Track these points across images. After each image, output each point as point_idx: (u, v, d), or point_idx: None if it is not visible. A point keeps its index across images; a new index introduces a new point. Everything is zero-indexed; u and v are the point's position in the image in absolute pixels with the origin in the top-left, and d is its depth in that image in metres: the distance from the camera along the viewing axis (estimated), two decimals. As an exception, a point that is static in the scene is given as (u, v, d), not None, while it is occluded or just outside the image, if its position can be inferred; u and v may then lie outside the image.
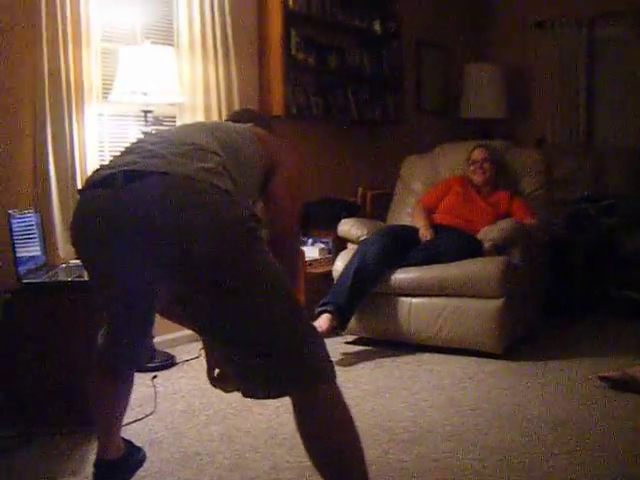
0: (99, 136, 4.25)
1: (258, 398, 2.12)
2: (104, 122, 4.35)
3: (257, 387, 2.07)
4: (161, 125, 4.67)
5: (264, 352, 2.01)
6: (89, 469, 2.77)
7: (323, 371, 2.06)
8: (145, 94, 4.13)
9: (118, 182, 2.05)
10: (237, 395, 3.40)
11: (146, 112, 4.23)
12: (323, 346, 2.10)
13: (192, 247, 1.96)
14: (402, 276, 4.56)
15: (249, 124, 2.57)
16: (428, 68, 7.29)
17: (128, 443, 2.80)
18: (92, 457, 2.84)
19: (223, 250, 1.98)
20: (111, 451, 2.63)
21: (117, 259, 2.11)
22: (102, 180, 2.10)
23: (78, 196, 2.22)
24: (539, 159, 5.35)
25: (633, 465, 2.87)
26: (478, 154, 5.10)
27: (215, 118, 4.71)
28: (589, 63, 7.39)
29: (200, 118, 4.66)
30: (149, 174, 2.03)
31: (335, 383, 2.08)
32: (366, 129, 6.53)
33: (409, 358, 4.42)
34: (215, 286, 1.99)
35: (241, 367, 2.05)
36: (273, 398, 2.09)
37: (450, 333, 4.43)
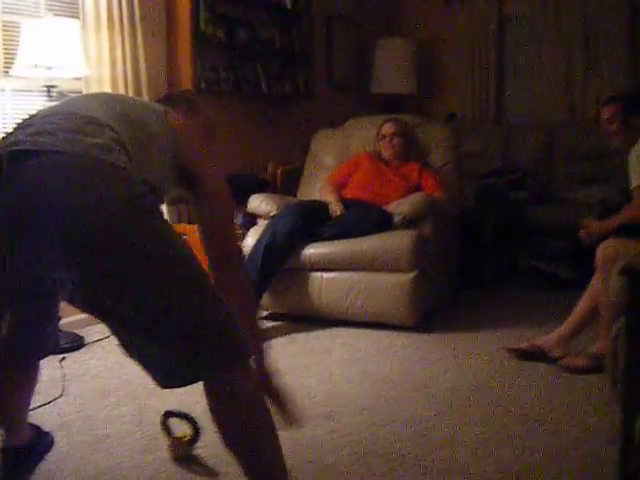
0: (1, 112, 4.12)
1: (176, 387, 2.04)
2: (6, 98, 4.22)
3: (173, 375, 1.99)
4: (66, 101, 4.56)
5: (170, 338, 1.93)
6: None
7: (236, 354, 2.02)
8: (49, 68, 3.99)
9: (3, 165, 1.92)
10: (147, 375, 3.35)
11: (49, 87, 4.09)
12: (237, 324, 2.04)
13: (80, 230, 1.86)
14: (313, 251, 4.55)
15: (166, 107, 2.37)
16: (339, 43, 7.25)
17: (35, 428, 2.74)
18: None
19: (115, 229, 1.88)
20: (19, 438, 2.57)
21: (8, 245, 1.98)
22: None
23: None
24: (449, 133, 5.40)
25: (543, 429, 2.94)
26: (388, 128, 5.12)
27: (122, 92, 4.60)
28: (499, 39, 7.47)
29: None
30: (34, 154, 1.91)
31: (249, 366, 2.06)
32: (277, 104, 6.48)
33: (322, 333, 4.42)
34: (109, 268, 1.89)
35: (155, 355, 1.97)
36: (189, 384, 2.02)
37: (362, 307, 4.44)
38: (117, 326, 1.98)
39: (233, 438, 2.06)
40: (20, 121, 2.17)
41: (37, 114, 2.20)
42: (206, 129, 2.54)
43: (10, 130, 2.13)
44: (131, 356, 2.01)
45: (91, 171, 1.91)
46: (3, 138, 2.10)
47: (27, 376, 2.52)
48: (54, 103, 3.99)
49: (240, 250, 2.44)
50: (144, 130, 2.16)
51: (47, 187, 1.88)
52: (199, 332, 1.95)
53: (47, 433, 2.79)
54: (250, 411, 2.03)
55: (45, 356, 2.50)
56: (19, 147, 1.94)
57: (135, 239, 1.91)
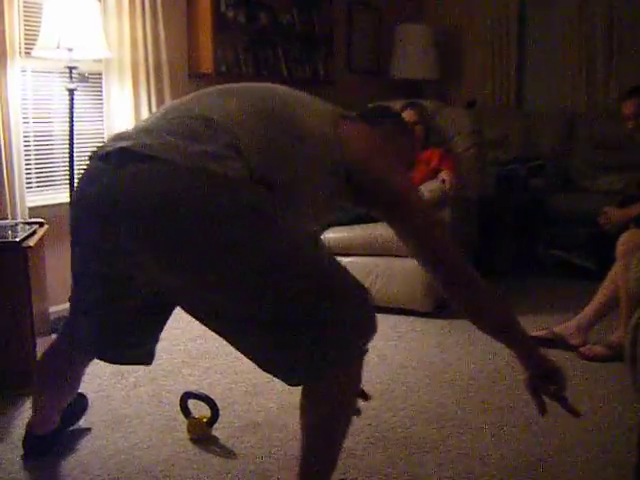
0: (22, 93, 4.13)
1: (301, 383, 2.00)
2: (27, 78, 4.22)
3: (293, 374, 1.97)
4: (87, 82, 4.57)
5: (281, 333, 1.90)
6: (16, 435, 2.72)
7: (340, 354, 1.96)
8: (70, 50, 4.00)
9: (113, 161, 1.92)
10: (166, 356, 3.39)
11: (71, 68, 4.10)
12: (347, 326, 1.97)
13: (175, 244, 1.85)
14: (332, 235, 4.55)
15: (344, 114, 2.18)
16: (359, 28, 7.23)
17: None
18: (18, 422, 2.81)
19: (213, 239, 1.84)
20: (46, 426, 2.59)
21: (103, 239, 1.99)
22: (102, 154, 1.98)
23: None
24: (470, 119, 5.36)
25: (561, 417, 2.93)
26: (407, 117, 5.03)
27: (142, 76, 4.60)
28: (520, 26, 7.42)
29: (127, 75, 4.54)
30: (139, 157, 1.88)
31: (356, 365, 2.04)
32: (297, 88, 6.44)
33: (340, 318, 4.41)
34: (214, 275, 1.87)
35: (282, 355, 1.94)
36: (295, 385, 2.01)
37: (380, 292, 4.44)
38: (234, 331, 1.97)
39: (316, 431, 2.04)
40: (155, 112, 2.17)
41: (166, 106, 2.16)
42: (400, 150, 2.30)
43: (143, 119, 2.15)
44: (249, 356, 2.00)
45: (190, 184, 1.84)
46: (135, 125, 2.11)
47: (76, 377, 2.54)
48: (76, 85, 4.06)
49: (469, 270, 2.13)
50: (293, 130, 2.01)
51: (141, 196, 1.85)
52: (307, 337, 1.91)
53: (81, 396, 2.86)
54: (344, 409, 2.04)
55: (142, 364, 2.44)
56: (123, 144, 1.93)
57: (234, 243, 1.85)
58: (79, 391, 2.73)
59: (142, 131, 1.98)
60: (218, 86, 2.17)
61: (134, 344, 2.30)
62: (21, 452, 2.60)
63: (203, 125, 1.94)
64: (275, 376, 1.99)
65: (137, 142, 1.92)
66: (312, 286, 1.91)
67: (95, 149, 2.05)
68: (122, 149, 1.92)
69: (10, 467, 2.53)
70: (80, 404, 2.88)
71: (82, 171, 2.06)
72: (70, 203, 2.14)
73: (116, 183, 1.89)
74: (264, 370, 1.99)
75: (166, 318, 2.30)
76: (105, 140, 2.12)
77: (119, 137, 2.02)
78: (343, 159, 2.04)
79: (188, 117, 1.99)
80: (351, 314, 1.97)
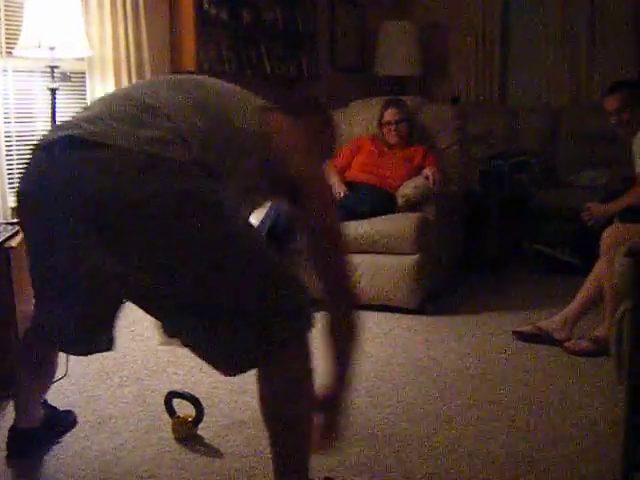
0: (3, 92, 4.10)
1: (242, 372, 2.02)
2: (8, 78, 4.19)
3: (238, 360, 1.99)
4: (69, 81, 4.54)
5: (234, 320, 1.91)
6: (0, 436, 2.70)
7: (297, 335, 2.00)
8: (52, 48, 3.97)
9: (55, 148, 1.92)
10: (151, 356, 3.37)
11: (53, 67, 4.07)
12: (302, 305, 2.01)
13: (130, 226, 1.85)
14: (318, 233, 4.53)
15: (268, 106, 2.20)
16: (343, 25, 7.23)
17: (52, 408, 2.78)
18: (3, 424, 2.78)
19: (164, 227, 1.85)
20: (29, 421, 2.58)
21: (57, 234, 1.99)
22: (44, 144, 1.99)
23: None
24: (454, 115, 5.36)
25: (547, 411, 2.94)
26: (391, 115, 5.03)
27: (124, 74, 4.58)
28: (504, 21, 7.43)
29: (109, 74, 4.52)
30: (84, 143, 1.89)
31: (305, 345, 2.02)
32: (280, 85, 6.45)
33: (324, 314, 4.40)
34: (165, 264, 1.88)
35: (214, 341, 1.96)
36: (254, 368, 2.01)
37: (365, 289, 4.42)
38: (177, 315, 1.97)
39: (275, 417, 2.05)
40: (91, 102, 2.17)
41: (104, 97, 2.19)
42: (321, 141, 2.37)
43: (80, 109, 2.16)
44: (191, 345, 2.00)
45: (139, 169, 1.86)
46: (74, 116, 2.10)
47: (53, 365, 2.53)
48: (58, 84, 4.03)
49: (353, 294, 2.17)
50: (225, 123, 2.03)
51: (90, 182, 1.86)
52: (257, 320, 1.93)
53: (67, 412, 2.86)
54: (299, 393, 2.03)
55: (101, 351, 2.42)
56: (73, 132, 1.93)
57: (186, 232, 1.87)
58: (68, 408, 2.81)
59: (85, 120, 1.97)
60: (153, 77, 2.22)
61: (94, 334, 2.31)
62: (5, 453, 2.58)
63: (147, 112, 1.97)
64: (217, 366, 2.01)
65: (82, 130, 1.93)
66: (257, 273, 1.94)
67: (37, 141, 2.05)
68: (67, 137, 1.92)
69: (-7, 468, 2.52)
70: (67, 419, 2.86)
71: (25, 164, 2.06)
72: (17, 197, 2.11)
73: (62, 171, 1.90)
74: (207, 359, 2.01)
75: (120, 303, 2.28)
76: (47, 132, 2.10)
77: (61, 127, 2.02)
78: (268, 152, 2.07)
79: (132, 105, 2.01)
80: (294, 300, 2.01)
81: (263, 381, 2.02)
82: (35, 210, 2.04)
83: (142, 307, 2.06)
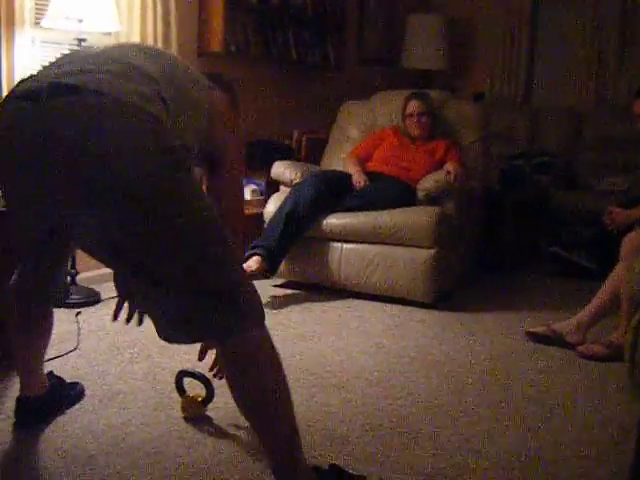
0: (31, 63, 4.08)
1: (180, 342, 2.08)
2: (36, 48, 4.17)
3: (182, 330, 2.00)
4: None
5: (193, 293, 1.93)
6: (8, 406, 2.70)
7: (253, 315, 2.00)
8: (80, 21, 3.96)
9: (43, 96, 1.90)
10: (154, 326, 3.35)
11: (80, 40, 4.06)
12: (254, 290, 2.04)
13: (115, 173, 1.84)
14: (334, 221, 4.53)
15: (208, 83, 2.36)
16: (371, 15, 7.20)
17: (59, 379, 2.79)
18: (11, 394, 2.79)
19: (147, 180, 1.87)
20: (33, 388, 2.59)
21: (33, 182, 1.97)
22: (26, 93, 1.96)
23: None
24: (478, 112, 5.33)
25: (557, 413, 2.92)
26: (414, 107, 5.01)
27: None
28: (532, 20, 7.39)
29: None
30: (75, 90, 1.89)
31: (265, 328, 2.03)
32: (306, 72, 6.43)
33: (338, 303, 4.41)
34: (138, 219, 1.88)
35: (168, 309, 1.97)
36: (197, 342, 2.12)
37: (380, 280, 4.42)
38: (133, 273, 1.98)
39: (245, 400, 2.04)
40: (59, 57, 2.17)
41: (75, 53, 2.20)
42: (234, 106, 2.58)
43: (48, 64, 2.13)
44: (139, 304, 2.02)
45: (130, 117, 1.89)
46: (43, 69, 2.10)
47: (40, 326, 2.53)
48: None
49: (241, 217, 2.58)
50: (186, 94, 2.14)
51: (81, 128, 1.86)
52: (220, 289, 1.95)
53: (74, 384, 2.86)
54: (265, 373, 2.01)
55: (54, 304, 2.54)
56: (62, 80, 1.93)
57: (167, 191, 1.90)
58: (76, 380, 2.83)
59: (70, 73, 1.96)
60: (121, 43, 2.31)
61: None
62: (13, 421, 2.58)
63: (130, 68, 2.03)
64: (176, 336, 2.04)
65: (65, 79, 1.92)
66: (221, 245, 1.99)
67: (9, 94, 2.03)
68: (52, 84, 1.91)
69: (2, 438, 2.51)
70: (74, 389, 2.86)
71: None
72: None
73: (49, 116, 1.88)
74: (167, 329, 2.02)
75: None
76: (18, 84, 2.08)
77: (38, 79, 2.00)
78: (208, 123, 2.23)
79: (119, 63, 2.04)
80: (247, 282, 2.05)
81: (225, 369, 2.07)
82: (16, 161, 2.00)
83: (99, 258, 2.12)
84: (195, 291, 1.93)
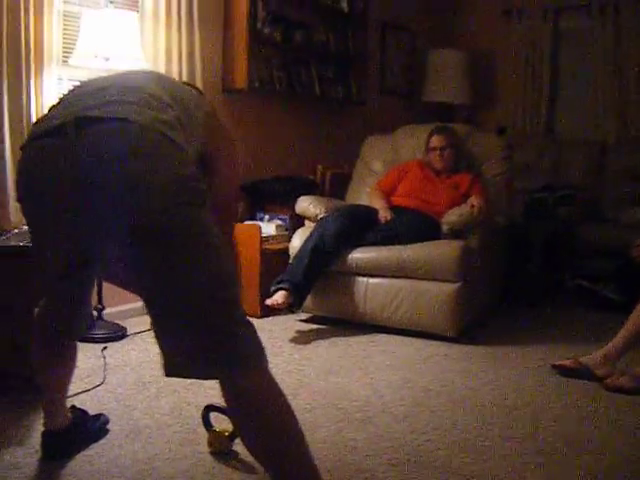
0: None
1: (183, 376, 2.09)
2: (64, 87, 4.24)
3: (186, 364, 2.02)
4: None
5: (199, 328, 1.95)
6: (36, 439, 2.71)
7: (255, 357, 2.01)
8: (107, 59, 4.03)
9: (71, 130, 1.91)
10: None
11: (106, 78, 4.12)
12: (256, 333, 2.04)
13: (145, 203, 1.87)
14: (359, 256, 4.53)
15: (196, 92, 2.43)
16: (393, 50, 7.25)
17: (82, 412, 2.80)
18: (39, 427, 2.79)
19: (175, 208, 1.89)
20: (56, 421, 2.60)
21: (62, 218, 2.00)
22: (51, 130, 1.97)
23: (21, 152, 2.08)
24: (501, 145, 5.35)
25: (585, 451, 2.88)
26: (438, 141, 5.04)
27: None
28: (553, 54, 7.41)
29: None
30: (100, 121, 1.91)
31: (268, 371, 2.03)
32: (329, 108, 6.48)
33: (364, 338, 4.40)
34: (162, 248, 1.90)
35: (175, 342, 1.99)
36: (201, 379, 2.18)
37: (406, 315, 4.41)
38: (155, 307, 2.00)
39: (254, 442, 2.05)
40: (67, 93, 2.18)
41: (90, 84, 2.19)
42: None
43: (58, 100, 2.14)
44: (156, 334, 2.03)
45: (157, 146, 1.91)
46: (58, 105, 2.10)
47: (64, 357, 2.55)
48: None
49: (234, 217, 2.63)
50: (187, 111, 2.16)
51: (112, 157, 1.88)
52: (225, 329, 1.97)
53: (98, 416, 2.88)
54: (271, 414, 2.00)
55: (79, 339, 2.56)
56: (88, 113, 1.94)
57: (193, 226, 1.92)
58: (99, 412, 2.86)
59: (89, 107, 1.97)
60: (128, 71, 2.40)
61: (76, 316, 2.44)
62: (40, 456, 2.59)
63: (151, 97, 2.04)
64: (188, 372, 2.06)
65: (90, 112, 1.94)
66: (232, 283, 2.02)
67: (31, 135, 2.05)
68: (78, 118, 1.92)
69: (29, 471, 2.52)
70: (98, 420, 2.88)
71: (24, 158, 2.05)
72: (20, 191, 2.11)
73: (79, 149, 1.90)
74: (165, 348, 2.03)
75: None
76: (37, 125, 2.10)
77: (53, 116, 2.01)
78: (204, 130, 2.24)
79: (139, 92, 2.05)
80: (250, 322, 2.06)
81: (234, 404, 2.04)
82: (44, 198, 2.03)
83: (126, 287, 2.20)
84: (201, 327, 1.95)
